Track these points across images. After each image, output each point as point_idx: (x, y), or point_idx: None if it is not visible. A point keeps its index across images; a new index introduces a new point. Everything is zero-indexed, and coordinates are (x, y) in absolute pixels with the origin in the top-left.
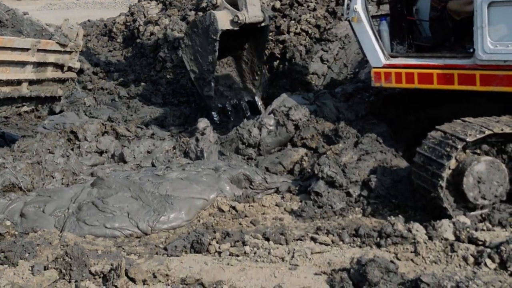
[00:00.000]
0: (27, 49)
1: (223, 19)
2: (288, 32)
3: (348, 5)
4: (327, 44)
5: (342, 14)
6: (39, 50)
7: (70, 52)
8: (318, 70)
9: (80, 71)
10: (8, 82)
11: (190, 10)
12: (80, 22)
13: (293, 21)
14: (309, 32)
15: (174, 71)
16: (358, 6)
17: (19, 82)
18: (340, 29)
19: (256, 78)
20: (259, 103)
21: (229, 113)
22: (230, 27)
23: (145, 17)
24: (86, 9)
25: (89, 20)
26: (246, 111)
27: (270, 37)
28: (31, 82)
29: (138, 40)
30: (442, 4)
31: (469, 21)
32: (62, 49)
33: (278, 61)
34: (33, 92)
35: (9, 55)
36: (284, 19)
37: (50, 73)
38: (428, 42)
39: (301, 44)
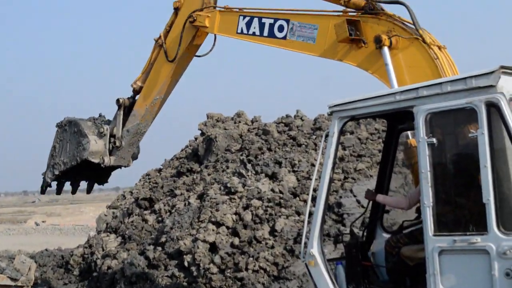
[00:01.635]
0: None
1: (93, 151)
2: (246, 269)
3: (305, 244)
4: (285, 282)
5: (300, 253)
6: None
7: (21, 287)
8: None
9: None
10: None
11: (149, 244)
12: (38, 250)
13: (251, 258)
14: (267, 269)
15: None
16: (315, 250)
17: None
18: (298, 267)
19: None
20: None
21: (59, 186)
22: (93, 161)
23: (103, 250)
24: (45, 234)
25: (46, 250)
26: (73, 191)
27: (228, 274)
28: None
29: (94, 274)
30: (396, 250)
31: (423, 267)
32: (13, 284)
33: None
34: None
35: None
36: (243, 256)
37: None
38: (385, 286)
39: (259, 282)
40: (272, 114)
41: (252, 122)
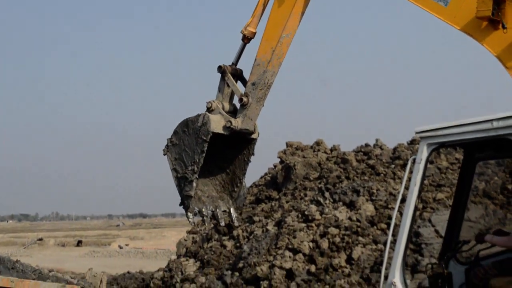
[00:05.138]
0: None
1: (216, 122)
2: None
3: (385, 276)
4: None
5: (377, 281)
6: None
7: None
8: None
9: None
10: None
11: (227, 269)
12: (120, 272)
13: (327, 286)
14: None
15: None
16: (397, 280)
17: None
18: None
19: (235, 189)
20: (234, 215)
21: (204, 218)
22: (222, 132)
23: (182, 274)
24: (128, 257)
25: (128, 272)
26: (221, 220)
27: None
28: None
29: None
30: (484, 281)
31: None
32: None
33: None
34: None
35: None
36: (319, 283)
37: None
38: None
39: None
40: (351, 143)
41: (331, 150)
